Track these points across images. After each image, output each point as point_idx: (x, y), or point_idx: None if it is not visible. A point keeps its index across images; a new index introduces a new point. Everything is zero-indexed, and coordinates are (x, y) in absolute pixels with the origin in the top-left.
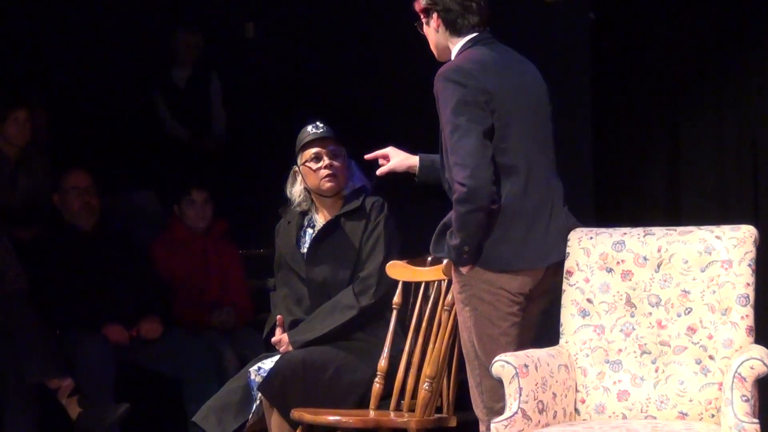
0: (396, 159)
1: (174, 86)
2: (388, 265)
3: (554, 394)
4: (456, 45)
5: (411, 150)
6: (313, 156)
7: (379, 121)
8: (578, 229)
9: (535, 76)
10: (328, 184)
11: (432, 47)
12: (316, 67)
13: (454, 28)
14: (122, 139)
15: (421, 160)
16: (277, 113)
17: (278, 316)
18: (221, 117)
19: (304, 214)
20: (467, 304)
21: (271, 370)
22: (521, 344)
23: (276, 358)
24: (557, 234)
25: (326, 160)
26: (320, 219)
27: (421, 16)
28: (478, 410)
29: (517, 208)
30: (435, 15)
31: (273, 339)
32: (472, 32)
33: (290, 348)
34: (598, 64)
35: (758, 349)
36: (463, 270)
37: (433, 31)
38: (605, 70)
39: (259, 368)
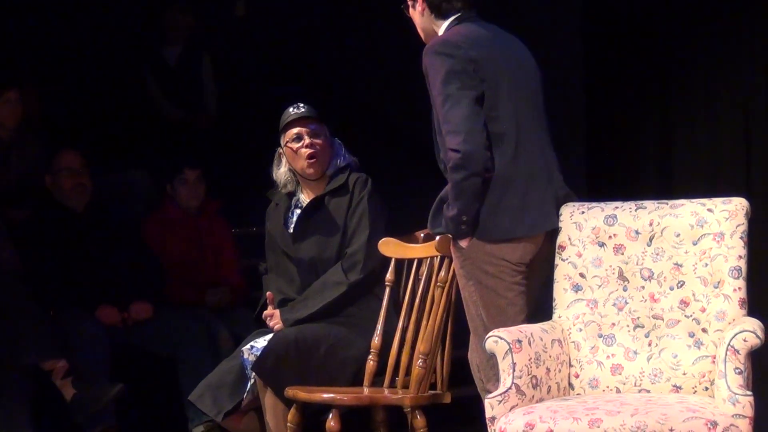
0: None
1: (165, 65)
2: (380, 242)
3: (548, 369)
4: (442, 27)
5: (408, 130)
6: (294, 136)
7: (370, 98)
8: (570, 204)
9: (522, 50)
10: (310, 170)
11: (419, 30)
12: (307, 44)
13: (439, 12)
14: (114, 118)
15: None
16: (269, 90)
17: (267, 293)
18: (213, 95)
19: (291, 195)
20: (470, 278)
21: (264, 349)
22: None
23: (268, 336)
24: (554, 201)
25: (307, 140)
26: (306, 198)
27: (407, 0)
28: (489, 384)
29: (510, 175)
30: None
31: (264, 312)
32: (457, 13)
33: (281, 325)
34: (589, 38)
35: (751, 322)
36: (463, 244)
37: (418, 14)
38: (597, 44)
39: (252, 347)
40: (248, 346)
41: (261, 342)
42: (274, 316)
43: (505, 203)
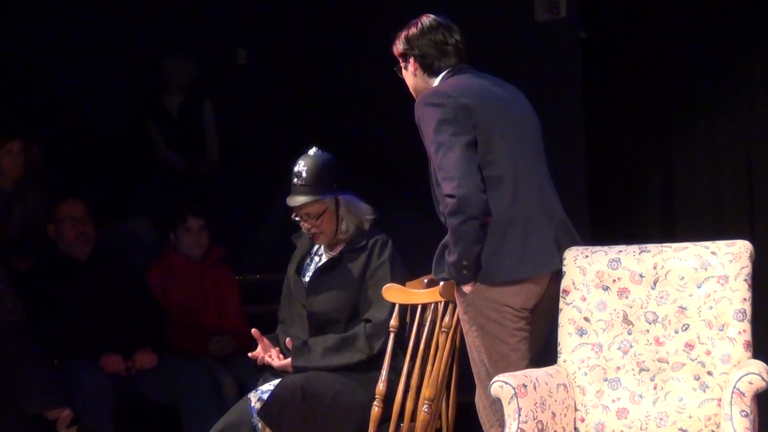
0: None
1: (167, 113)
2: (384, 288)
3: (553, 414)
4: (434, 83)
5: (413, 173)
6: (295, 216)
7: (372, 144)
8: (573, 248)
9: (517, 96)
10: (317, 240)
11: (411, 90)
12: (308, 91)
13: (431, 70)
14: (116, 167)
15: None
16: (270, 138)
17: (287, 339)
18: (215, 142)
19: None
20: (473, 323)
21: (270, 394)
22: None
23: (275, 381)
24: (556, 242)
25: (306, 224)
26: (323, 250)
27: (399, 61)
28: (492, 429)
29: (510, 218)
30: (412, 59)
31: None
32: (448, 68)
33: (286, 363)
34: (589, 83)
35: (756, 364)
36: (466, 289)
37: (411, 75)
38: (597, 88)
39: (258, 390)
40: (254, 390)
41: (266, 386)
42: (274, 357)
43: (506, 246)
